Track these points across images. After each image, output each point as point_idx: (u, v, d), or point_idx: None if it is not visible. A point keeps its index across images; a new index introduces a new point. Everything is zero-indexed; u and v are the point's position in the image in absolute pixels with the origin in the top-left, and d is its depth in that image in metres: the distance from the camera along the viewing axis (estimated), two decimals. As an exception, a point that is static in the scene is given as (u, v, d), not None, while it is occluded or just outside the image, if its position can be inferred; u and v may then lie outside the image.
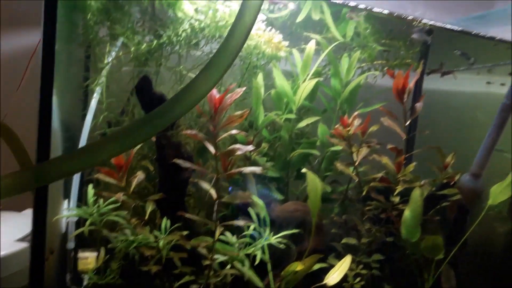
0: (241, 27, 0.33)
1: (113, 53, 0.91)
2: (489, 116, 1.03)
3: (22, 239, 0.90)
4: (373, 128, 0.93)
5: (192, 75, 0.99)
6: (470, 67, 1.07)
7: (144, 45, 0.85)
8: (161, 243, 0.78)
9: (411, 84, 0.83)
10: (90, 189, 0.79)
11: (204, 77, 0.34)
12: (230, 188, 0.97)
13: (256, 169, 0.74)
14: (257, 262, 0.80)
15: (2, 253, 0.84)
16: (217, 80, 0.35)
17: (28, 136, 1.10)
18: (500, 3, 0.89)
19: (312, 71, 0.97)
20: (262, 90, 0.98)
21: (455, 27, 0.80)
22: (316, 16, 0.86)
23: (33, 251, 0.68)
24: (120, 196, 0.71)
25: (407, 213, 0.88)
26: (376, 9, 0.76)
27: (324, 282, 0.86)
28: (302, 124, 1.00)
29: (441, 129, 1.31)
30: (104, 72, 0.93)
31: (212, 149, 0.72)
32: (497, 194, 0.90)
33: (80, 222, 0.92)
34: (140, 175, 0.73)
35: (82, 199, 0.93)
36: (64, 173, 0.37)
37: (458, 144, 1.23)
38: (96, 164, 0.64)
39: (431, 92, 1.28)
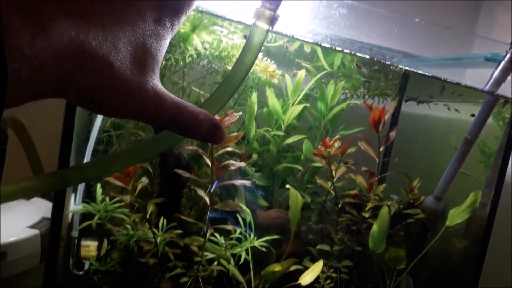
0: (242, 66, 0.38)
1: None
2: (459, 140, 1.14)
3: (32, 226, 1.01)
4: (351, 150, 1.05)
5: (193, 87, 1.10)
6: (441, 99, 1.19)
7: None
8: (158, 239, 0.90)
9: (386, 117, 0.95)
10: (99, 189, 0.91)
11: (209, 106, 0.38)
12: (216, 182, 1.06)
13: (246, 183, 0.86)
14: (241, 262, 0.92)
15: (15, 238, 0.94)
16: (219, 109, 0.40)
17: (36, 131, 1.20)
18: (477, 48, 1.02)
19: (302, 94, 1.09)
20: (255, 108, 1.09)
21: (426, 73, 0.92)
22: (307, 49, 0.97)
23: (51, 238, 0.79)
24: (128, 198, 0.82)
25: (375, 227, 1.01)
26: (359, 54, 0.87)
27: (298, 282, 0.99)
28: (289, 140, 1.11)
29: (416, 150, 1.44)
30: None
31: (209, 162, 0.83)
32: (454, 216, 1.03)
33: (84, 214, 1.03)
34: (144, 181, 0.85)
35: (87, 194, 1.04)
36: (83, 180, 0.43)
37: (430, 166, 1.37)
38: (110, 173, 0.75)
39: (410, 115, 1.41)
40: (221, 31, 0.89)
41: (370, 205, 1.03)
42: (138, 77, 0.29)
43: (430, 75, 0.93)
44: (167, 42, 0.33)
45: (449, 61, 1.14)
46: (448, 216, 1.04)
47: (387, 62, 0.91)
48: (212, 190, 1.03)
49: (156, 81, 0.31)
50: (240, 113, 0.83)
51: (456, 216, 1.03)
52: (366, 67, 1.07)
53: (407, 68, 0.93)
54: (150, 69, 0.30)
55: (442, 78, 0.94)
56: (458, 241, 1.20)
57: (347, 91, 1.15)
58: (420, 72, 0.93)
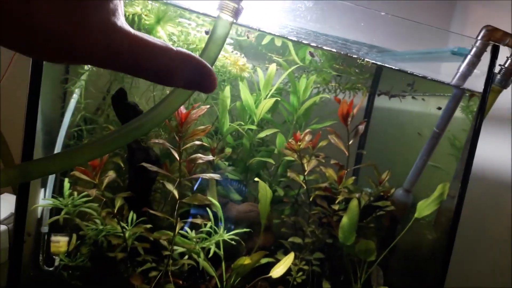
0: (207, 60, 0.37)
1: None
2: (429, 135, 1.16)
3: (0, 222, 0.99)
4: (323, 143, 1.06)
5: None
6: (411, 93, 1.21)
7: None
8: (127, 234, 0.89)
9: (354, 110, 0.97)
10: (66, 183, 0.90)
11: (175, 97, 0.38)
12: (199, 179, 1.06)
13: (216, 176, 0.86)
14: (210, 255, 0.92)
15: (-18, 234, 0.93)
16: (184, 100, 0.39)
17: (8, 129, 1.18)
18: (452, 43, 1.03)
19: (274, 88, 1.09)
20: (228, 102, 1.09)
21: (393, 67, 0.93)
22: (278, 43, 0.98)
23: (15, 233, 0.78)
24: (94, 192, 0.81)
25: (345, 219, 1.02)
26: (326, 48, 0.88)
27: (269, 275, 1.00)
28: (262, 134, 1.12)
29: (390, 143, 1.46)
30: (83, 76, 1.02)
31: (177, 156, 0.83)
32: (422, 208, 1.05)
33: (53, 209, 1.02)
34: (111, 175, 0.84)
35: (56, 189, 1.03)
36: (47, 173, 0.41)
37: (402, 159, 1.39)
38: (74, 166, 0.74)
39: (383, 109, 1.43)
40: (189, 24, 0.89)
41: (340, 197, 1.04)
42: (103, 11, 0.26)
43: (397, 68, 0.94)
44: None
45: (418, 55, 1.16)
46: (417, 208, 1.05)
47: (354, 56, 0.92)
48: (195, 187, 1.04)
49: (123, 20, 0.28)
50: (208, 106, 0.82)
51: (425, 208, 1.05)
52: (338, 61, 1.08)
53: (373, 62, 0.94)
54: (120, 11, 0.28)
55: (409, 72, 0.95)
56: (429, 233, 1.22)
57: (318, 85, 1.16)
58: (387, 65, 0.94)
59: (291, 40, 0.89)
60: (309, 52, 1.10)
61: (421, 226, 1.21)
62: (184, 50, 0.30)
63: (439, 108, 1.05)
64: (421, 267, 1.21)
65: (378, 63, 0.94)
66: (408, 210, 1.11)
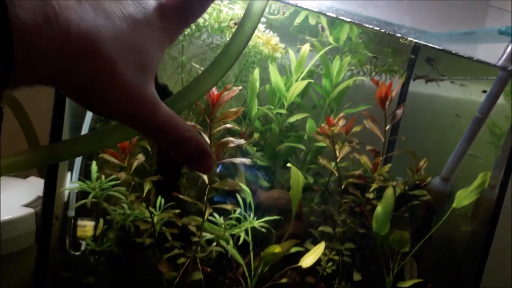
0: (242, 35, 0.36)
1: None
2: (468, 121, 1.10)
3: (27, 205, 0.98)
4: (356, 129, 1.01)
5: (193, 63, 1.06)
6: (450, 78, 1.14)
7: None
8: (155, 219, 0.87)
9: (393, 93, 0.91)
10: (94, 166, 0.87)
11: (206, 77, 0.36)
12: (219, 167, 1.03)
13: (246, 161, 0.82)
14: (240, 242, 0.89)
15: (9, 216, 0.92)
16: (217, 81, 0.37)
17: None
18: (491, 22, 0.96)
19: (306, 70, 1.04)
20: (257, 85, 1.05)
21: (437, 46, 0.87)
22: (312, 22, 0.92)
23: (43, 216, 0.76)
24: (123, 175, 0.79)
25: (379, 209, 0.97)
26: (367, 25, 0.82)
27: (299, 264, 0.96)
28: (292, 119, 1.07)
29: (424, 131, 1.40)
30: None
31: (207, 139, 0.80)
32: (461, 198, 0.99)
33: (79, 193, 1.00)
34: (140, 158, 0.81)
35: (82, 172, 1.01)
36: (76, 154, 0.40)
37: (437, 147, 1.33)
38: (103, 148, 0.71)
39: (417, 95, 1.36)
40: (221, 0, 0.84)
41: (374, 186, 0.99)
42: (139, 80, 0.29)
43: (441, 48, 0.88)
44: (164, 50, 0.32)
45: (461, 36, 1.09)
46: (456, 198, 1.00)
47: (397, 35, 0.86)
48: (218, 170, 1.00)
49: (153, 89, 0.31)
50: (240, 87, 0.78)
51: (464, 197, 0.99)
52: (375, 42, 1.02)
53: (416, 41, 0.88)
54: (150, 75, 0.30)
55: (453, 52, 0.89)
56: (465, 224, 1.17)
57: (353, 68, 1.10)
58: (430, 45, 0.88)
59: (330, 16, 0.83)
60: (321, 26, 1.04)
61: (456, 217, 1.15)
62: (195, 132, 0.32)
63: (484, 91, 0.99)
64: (456, 260, 1.16)
65: (422, 42, 0.88)
66: (445, 200, 1.06)
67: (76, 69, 0.26)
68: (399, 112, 0.96)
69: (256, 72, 1.03)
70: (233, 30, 0.86)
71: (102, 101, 0.28)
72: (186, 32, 0.85)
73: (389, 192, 0.96)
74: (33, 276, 0.80)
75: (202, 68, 1.06)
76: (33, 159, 0.33)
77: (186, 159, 0.32)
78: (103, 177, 0.89)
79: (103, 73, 0.27)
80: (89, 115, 1.00)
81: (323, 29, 0.99)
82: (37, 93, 1.11)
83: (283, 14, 0.91)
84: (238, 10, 0.87)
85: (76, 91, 0.28)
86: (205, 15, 0.84)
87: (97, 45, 0.26)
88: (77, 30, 0.24)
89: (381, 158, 0.98)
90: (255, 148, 1.09)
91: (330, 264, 1.01)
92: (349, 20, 0.83)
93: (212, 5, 0.84)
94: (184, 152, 0.32)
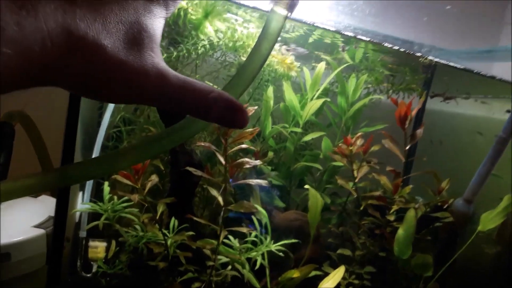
0: (258, 55, 0.36)
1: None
2: (489, 140, 1.07)
3: (38, 225, 0.97)
4: (375, 148, 0.98)
5: (206, 81, 1.05)
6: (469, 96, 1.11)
7: (164, 55, 0.90)
8: (169, 241, 0.84)
9: (413, 112, 0.88)
10: (106, 187, 0.86)
11: None
12: (231, 180, 1.01)
13: (262, 182, 0.80)
14: (257, 267, 0.86)
15: (20, 238, 0.90)
16: None
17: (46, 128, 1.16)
18: (504, 40, 0.94)
19: (321, 89, 1.03)
20: (272, 103, 1.03)
21: (458, 65, 0.85)
22: (327, 40, 0.91)
23: (54, 238, 0.74)
24: (136, 197, 0.77)
25: (400, 231, 0.93)
26: (387, 44, 0.81)
27: (318, 289, 0.92)
28: (307, 138, 1.05)
29: (441, 149, 1.36)
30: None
31: (222, 160, 0.77)
32: (487, 221, 0.95)
33: (90, 213, 0.98)
34: (154, 179, 0.79)
35: (93, 193, 0.99)
36: (88, 177, 0.40)
37: (457, 166, 1.29)
38: (116, 170, 0.69)
39: (434, 112, 1.33)
40: (236, 20, 0.83)
41: (395, 207, 0.96)
42: (136, 57, 0.27)
43: (461, 67, 0.85)
44: (162, 20, 0.31)
45: (478, 54, 1.06)
46: (481, 220, 0.96)
47: (417, 54, 0.84)
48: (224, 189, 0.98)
49: (157, 59, 0.29)
50: (256, 107, 0.76)
51: (490, 220, 0.95)
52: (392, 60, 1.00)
53: (436, 59, 0.86)
54: (148, 47, 0.29)
55: (475, 71, 0.86)
56: (489, 247, 1.12)
57: (369, 86, 1.08)
58: (452, 64, 0.85)
59: (348, 36, 0.82)
60: (342, 46, 1.03)
61: (480, 239, 1.11)
62: (220, 91, 0.31)
63: (509, 111, 0.96)
64: (481, 285, 1.11)
65: (442, 61, 0.86)
66: (468, 222, 1.02)
67: (62, 62, 0.24)
68: (419, 131, 0.93)
69: (270, 90, 1.02)
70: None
71: (102, 89, 0.27)
72: (200, 51, 0.84)
73: (410, 214, 0.92)
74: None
75: (215, 86, 1.05)
76: (46, 182, 0.33)
77: (219, 121, 0.30)
78: (115, 198, 0.87)
79: (92, 59, 0.25)
80: (101, 133, 0.98)
81: (343, 49, 0.98)
82: (48, 111, 1.11)
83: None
84: (253, 29, 0.86)
85: (73, 84, 0.26)
86: (220, 34, 0.83)
87: (77, 31, 0.24)
88: (54, 19, 0.23)
89: (401, 179, 0.95)
90: (269, 167, 1.07)
91: (349, 288, 0.97)
92: (371, 40, 0.82)
93: (227, 24, 0.83)
94: (215, 115, 0.30)
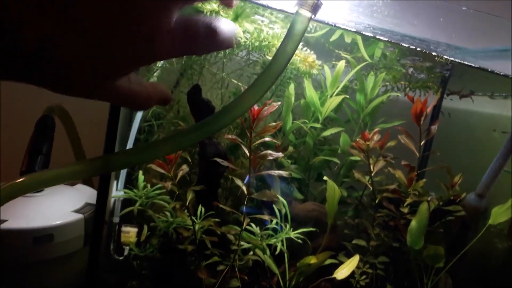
0: (283, 54, 0.39)
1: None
2: (505, 138, 1.10)
3: (77, 211, 1.05)
4: (391, 144, 1.03)
5: (232, 79, 1.11)
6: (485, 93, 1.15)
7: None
8: (196, 227, 0.91)
9: (428, 109, 0.93)
10: (141, 176, 0.93)
11: (249, 95, 0.39)
12: (248, 177, 1.07)
13: (284, 173, 0.86)
14: (277, 252, 0.92)
15: (61, 221, 0.98)
16: (259, 98, 0.40)
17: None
18: None
19: (340, 86, 1.08)
20: (293, 99, 1.09)
21: (473, 64, 0.88)
22: (348, 40, 0.96)
23: (95, 221, 0.82)
24: (169, 185, 0.84)
25: (413, 223, 0.98)
26: (404, 44, 0.85)
27: (333, 276, 0.98)
28: (327, 133, 1.10)
29: (457, 146, 1.39)
30: (156, 73, 1.06)
31: (247, 152, 0.84)
32: (498, 215, 0.99)
33: (125, 200, 1.06)
34: (185, 168, 0.86)
35: (128, 181, 1.07)
36: (127, 165, 0.43)
37: (472, 162, 1.32)
38: (154, 159, 0.76)
39: (450, 110, 1.36)
40: (262, 21, 0.89)
41: (409, 200, 1.01)
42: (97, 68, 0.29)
43: (476, 66, 0.89)
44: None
45: (495, 53, 1.09)
46: (491, 214, 1.00)
47: (433, 53, 0.88)
48: (247, 180, 1.04)
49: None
50: (279, 103, 0.82)
51: (500, 214, 0.99)
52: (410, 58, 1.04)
53: (452, 59, 0.90)
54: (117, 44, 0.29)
55: (490, 70, 0.90)
56: (500, 241, 1.16)
57: (387, 83, 1.13)
58: (467, 63, 0.89)
59: (367, 36, 0.87)
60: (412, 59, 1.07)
61: (491, 233, 1.14)
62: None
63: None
64: (491, 277, 1.15)
65: (458, 60, 0.90)
66: (479, 216, 1.06)
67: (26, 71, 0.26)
68: (434, 128, 0.97)
69: (292, 87, 1.07)
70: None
71: (75, 92, 0.29)
72: (228, 51, 0.90)
73: (423, 207, 0.97)
74: (85, 277, 0.85)
75: (240, 83, 1.11)
76: (91, 168, 0.37)
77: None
78: (148, 186, 0.94)
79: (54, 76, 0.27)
80: (135, 126, 1.06)
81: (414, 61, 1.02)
82: (83, 105, 1.19)
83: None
84: (278, 30, 0.91)
85: (49, 86, 0.28)
86: (247, 35, 0.89)
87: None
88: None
89: (416, 173, 0.99)
90: (289, 161, 1.13)
91: (363, 277, 1.03)
92: (389, 40, 0.86)
93: (254, 25, 0.89)
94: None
